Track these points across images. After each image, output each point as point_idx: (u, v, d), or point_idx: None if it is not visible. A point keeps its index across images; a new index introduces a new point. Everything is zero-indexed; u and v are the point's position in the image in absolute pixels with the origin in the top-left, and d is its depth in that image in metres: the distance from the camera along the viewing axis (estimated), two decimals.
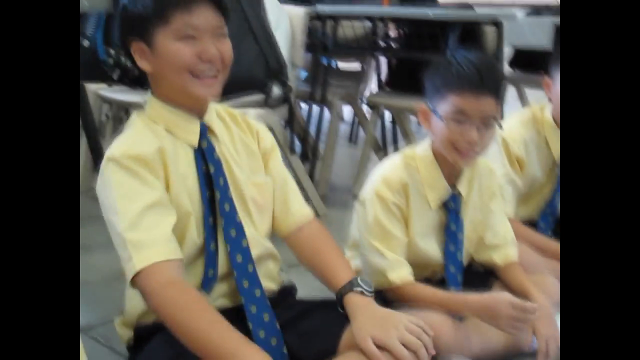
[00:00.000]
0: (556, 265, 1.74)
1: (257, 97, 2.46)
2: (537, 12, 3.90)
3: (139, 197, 1.25)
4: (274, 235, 1.50)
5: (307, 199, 2.92)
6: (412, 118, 3.87)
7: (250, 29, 2.46)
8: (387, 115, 3.83)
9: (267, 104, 2.48)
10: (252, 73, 2.43)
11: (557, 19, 3.40)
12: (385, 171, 1.62)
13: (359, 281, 1.35)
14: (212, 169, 1.35)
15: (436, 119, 1.56)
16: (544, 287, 1.65)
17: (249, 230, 1.38)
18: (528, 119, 2.00)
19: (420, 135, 3.65)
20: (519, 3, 4.81)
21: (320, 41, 3.22)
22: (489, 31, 3.22)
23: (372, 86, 4.01)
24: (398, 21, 3.39)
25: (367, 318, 1.28)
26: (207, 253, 1.34)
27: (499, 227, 1.72)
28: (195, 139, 1.35)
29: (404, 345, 1.21)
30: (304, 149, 3.35)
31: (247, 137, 1.46)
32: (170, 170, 1.31)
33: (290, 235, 1.48)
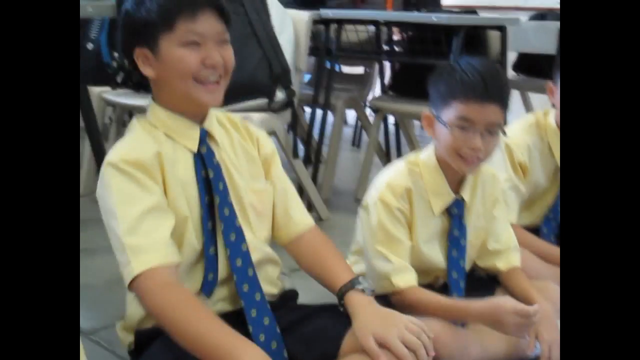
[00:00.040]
0: (558, 272, 1.74)
1: (261, 101, 2.46)
2: (542, 16, 3.90)
3: (137, 201, 1.26)
4: (275, 241, 1.50)
5: (310, 203, 2.93)
6: (416, 122, 3.88)
7: (254, 34, 2.47)
8: (391, 119, 3.83)
9: (270, 108, 2.48)
10: (256, 77, 2.43)
11: None
12: (389, 177, 1.62)
13: (360, 280, 1.36)
14: (211, 174, 1.36)
15: (440, 125, 1.56)
16: (547, 293, 1.64)
17: (247, 235, 1.39)
18: (531, 125, 2.00)
19: (423, 139, 3.65)
20: (523, 7, 4.82)
21: (324, 45, 3.22)
22: (493, 36, 3.22)
23: (376, 90, 4.02)
24: (402, 26, 3.40)
25: (368, 316, 1.29)
26: (207, 257, 1.35)
27: (501, 233, 1.72)
28: (194, 144, 1.36)
29: (404, 344, 1.22)
30: (307, 152, 3.35)
31: (247, 143, 1.47)
32: (168, 175, 1.32)
33: (291, 242, 1.49)
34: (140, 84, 1.42)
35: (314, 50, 3.24)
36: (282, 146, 2.70)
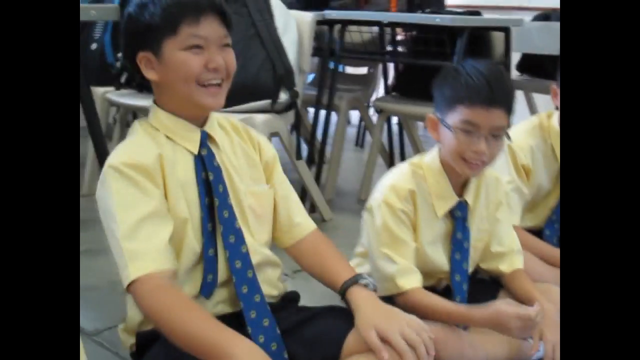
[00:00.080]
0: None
1: (264, 102, 2.46)
2: (546, 17, 3.89)
3: (137, 206, 1.27)
4: (275, 243, 1.51)
5: (314, 204, 2.93)
6: (419, 123, 3.87)
7: (257, 35, 2.47)
8: (394, 119, 3.83)
9: (273, 109, 2.48)
10: (259, 79, 2.43)
11: None
12: (393, 180, 1.62)
13: (363, 276, 1.38)
14: (211, 176, 1.36)
15: (445, 129, 1.55)
16: (549, 296, 1.64)
17: (246, 238, 1.39)
18: (535, 127, 2.00)
19: (427, 140, 3.64)
20: (527, 7, 4.81)
21: (328, 46, 3.22)
22: (497, 37, 3.22)
23: (380, 90, 4.01)
24: (405, 27, 3.39)
25: (371, 310, 1.30)
26: (206, 259, 1.35)
27: (504, 236, 1.72)
28: (195, 146, 1.36)
29: (404, 340, 1.23)
30: (310, 153, 3.35)
31: (248, 147, 1.48)
32: (169, 177, 1.32)
33: (293, 245, 1.49)
34: (144, 85, 1.42)
35: (317, 51, 3.24)
36: (286, 147, 2.70)
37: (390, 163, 3.63)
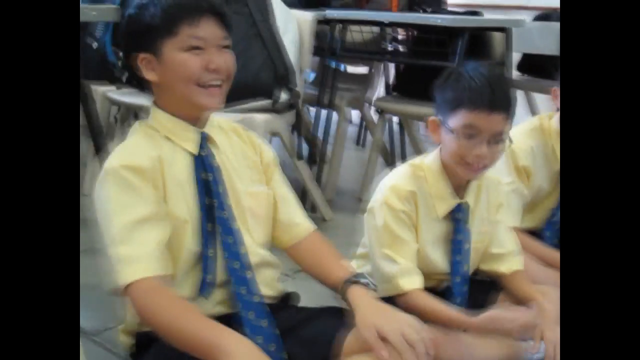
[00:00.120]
0: (559, 276, 1.74)
1: (265, 102, 2.46)
2: (546, 17, 3.89)
3: (133, 210, 1.27)
4: (274, 244, 1.51)
5: (314, 203, 2.93)
6: (420, 122, 3.87)
7: (258, 34, 2.47)
8: (395, 119, 3.83)
9: (274, 109, 2.48)
10: (260, 78, 2.44)
11: None
12: (394, 181, 1.62)
13: (363, 275, 1.38)
14: (210, 177, 1.36)
15: (446, 131, 1.55)
16: (547, 297, 1.64)
17: (245, 238, 1.39)
18: (535, 128, 1.99)
19: (427, 139, 3.64)
20: (527, 6, 4.80)
21: (329, 45, 3.22)
22: (497, 36, 3.21)
23: (380, 90, 4.01)
24: (406, 27, 3.39)
25: (370, 308, 1.31)
26: (204, 259, 1.35)
27: (504, 237, 1.72)
28: (194, 147, 1.37)
29: (403, 338, 1.23)
30: (311, 152, 3.35)
31: (248, 148, 1.48)
32: (168, 178, 1.33)
33: (292, 247, 1.50)
34: (145, 83, 1.43)
35: (318, 51, 3.23)
36: (286, 147, 2.70)
37: (391, 162, 3.63)
